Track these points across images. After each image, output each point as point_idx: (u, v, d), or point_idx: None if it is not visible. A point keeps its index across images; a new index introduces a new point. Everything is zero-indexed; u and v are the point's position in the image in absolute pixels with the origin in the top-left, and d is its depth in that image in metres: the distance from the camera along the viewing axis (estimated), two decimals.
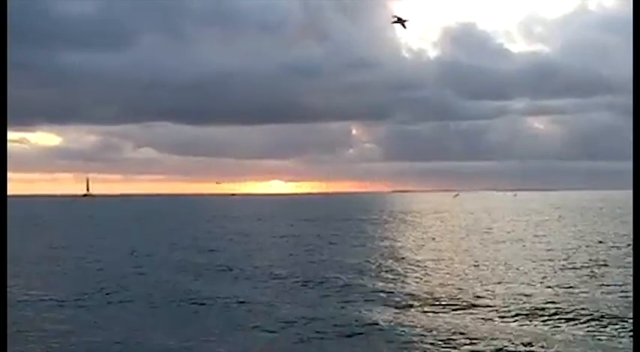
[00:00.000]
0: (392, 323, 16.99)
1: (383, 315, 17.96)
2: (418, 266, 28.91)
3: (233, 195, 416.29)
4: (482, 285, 23.07)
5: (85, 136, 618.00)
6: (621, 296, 20.12)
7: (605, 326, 16.31)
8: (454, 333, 15.75)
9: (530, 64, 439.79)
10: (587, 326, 16.37)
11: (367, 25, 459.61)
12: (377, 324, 16.82)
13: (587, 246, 37.47)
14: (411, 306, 19.36)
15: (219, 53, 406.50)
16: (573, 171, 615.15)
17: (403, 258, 32.07)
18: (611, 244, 38.18)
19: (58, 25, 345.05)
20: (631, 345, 12.75)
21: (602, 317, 17.28)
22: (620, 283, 22.77)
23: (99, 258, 34.51)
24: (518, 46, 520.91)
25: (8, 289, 22.15)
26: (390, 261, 31.10)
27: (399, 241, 43.12)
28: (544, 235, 46.91)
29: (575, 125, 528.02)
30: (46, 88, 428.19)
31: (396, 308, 19.17)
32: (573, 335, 15.50)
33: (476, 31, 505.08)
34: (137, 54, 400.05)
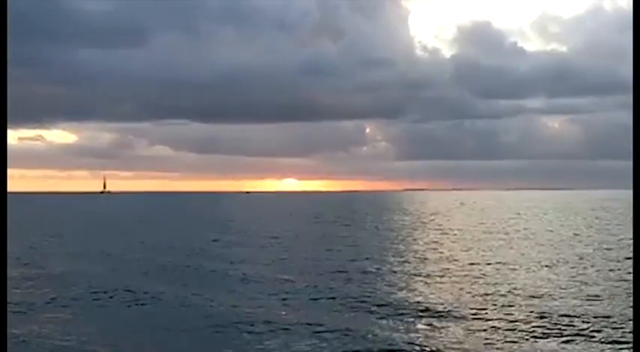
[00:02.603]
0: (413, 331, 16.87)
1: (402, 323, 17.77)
2: (440, 266, 28.81)
3: (248, 192, 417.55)
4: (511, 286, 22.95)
5: (100, 134, 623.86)
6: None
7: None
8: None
9: (545, 62, 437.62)
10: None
11: (383, 24, 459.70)
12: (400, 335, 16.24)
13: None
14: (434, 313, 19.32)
15: (235, 51, 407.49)
16: (589, 170, 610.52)
17: (424, 258, 32.01)
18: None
19: (75, 23, 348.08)
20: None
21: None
22: None
23: (120, 254, 34.95)
24: (533, 44, 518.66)
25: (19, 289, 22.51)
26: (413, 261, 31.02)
27: (416, 240, 42.99)
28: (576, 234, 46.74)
29: (592, 124, 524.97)
30: (63, 86, 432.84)
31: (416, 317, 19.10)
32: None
33: (491, 29, 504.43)
34: (153, 52, 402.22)
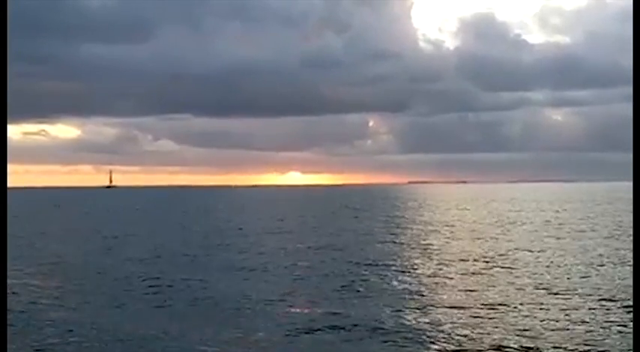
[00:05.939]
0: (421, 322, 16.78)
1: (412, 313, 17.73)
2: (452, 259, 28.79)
3: (254, 186, 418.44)
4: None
5: (104, 129, 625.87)
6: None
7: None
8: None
9: (548, 55, 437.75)
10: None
11: (386, 17, 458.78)
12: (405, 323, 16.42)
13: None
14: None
15: (240, 45, 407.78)
16: (594, 162, 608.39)
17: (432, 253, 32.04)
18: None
19: (79, 18, 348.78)
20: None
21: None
22: None
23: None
24: (536, 36, 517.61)
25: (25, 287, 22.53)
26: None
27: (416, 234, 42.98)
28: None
29: (596, 116, 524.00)
30: (66, 81, 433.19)
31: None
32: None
33: (494, 21, 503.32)
34: (158, 46, 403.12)
